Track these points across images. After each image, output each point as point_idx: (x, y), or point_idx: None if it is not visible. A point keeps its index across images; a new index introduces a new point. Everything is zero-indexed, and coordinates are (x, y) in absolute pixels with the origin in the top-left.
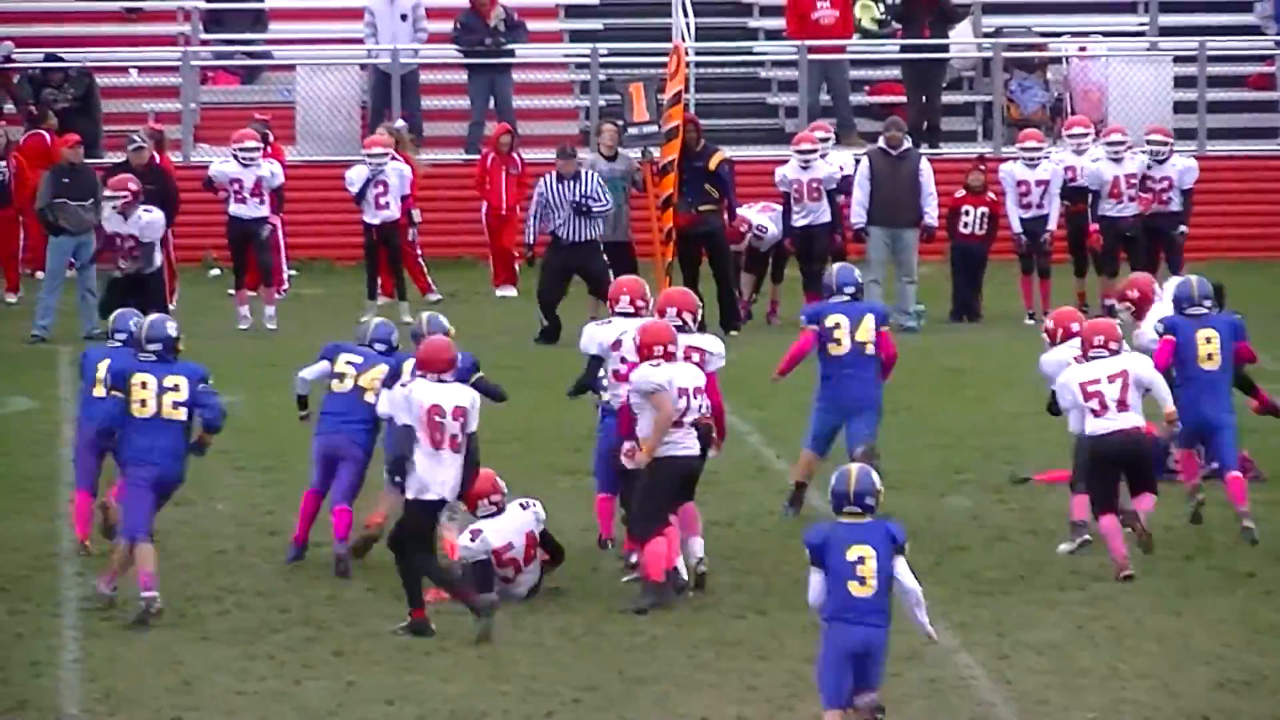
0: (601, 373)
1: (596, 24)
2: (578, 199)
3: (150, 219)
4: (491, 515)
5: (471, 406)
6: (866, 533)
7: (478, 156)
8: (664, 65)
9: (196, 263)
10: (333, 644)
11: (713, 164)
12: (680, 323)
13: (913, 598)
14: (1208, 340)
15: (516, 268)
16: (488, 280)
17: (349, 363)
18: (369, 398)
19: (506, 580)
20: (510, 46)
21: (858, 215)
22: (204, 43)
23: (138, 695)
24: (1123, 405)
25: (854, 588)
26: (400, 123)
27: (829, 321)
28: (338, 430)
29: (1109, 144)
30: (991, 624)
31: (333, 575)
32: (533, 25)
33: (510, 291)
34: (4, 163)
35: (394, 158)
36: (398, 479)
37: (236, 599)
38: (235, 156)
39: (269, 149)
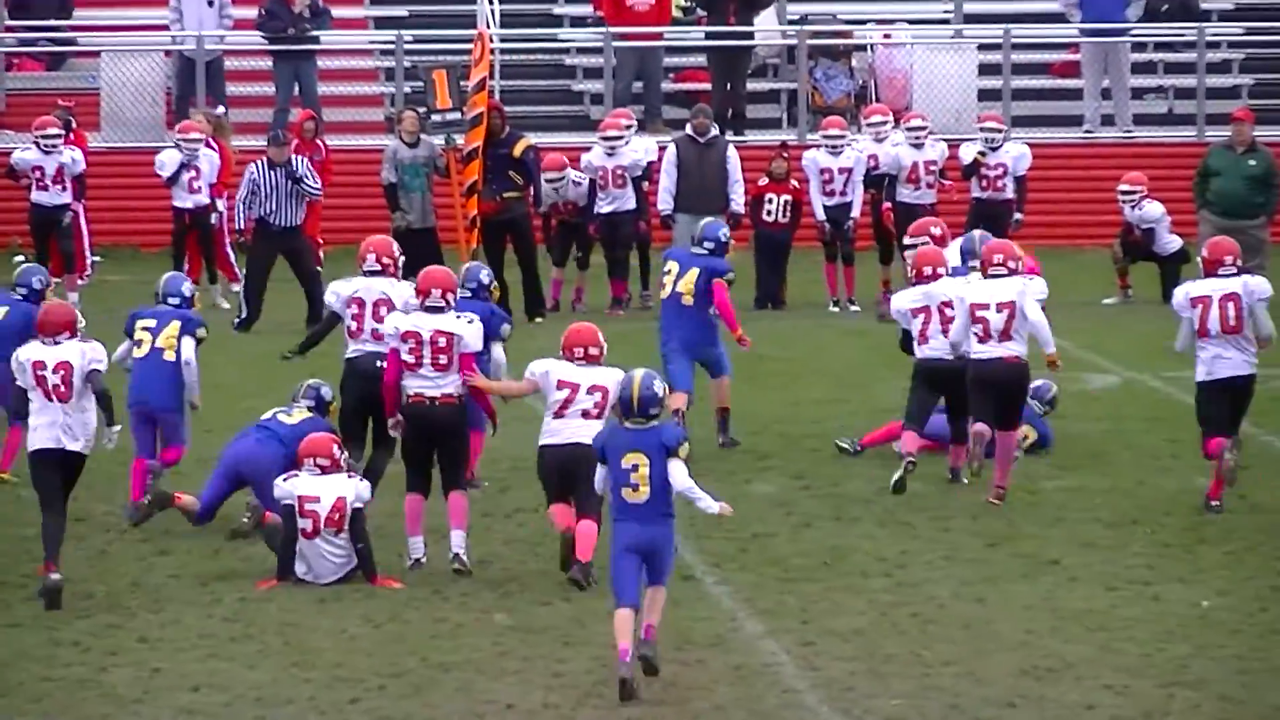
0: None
1: (402, 11)
2: (290, 178)
3: None
4: (314, 475)
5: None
6: (642, 440)
7: None
8: (469, 52)
9: (2, 249)
10: (137, 630)
11: (517, 151)
12: (442, 304)
13: (686, 496)
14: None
15: (320, 255)
16: None
17: (144, 328)
18: (168, 356)
19: (305, 533)
20: (315, 33)
21: (665, 202)
22: (9, 29)
23: None
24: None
25: (628, 494)
26: (220, 109)
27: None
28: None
29: (909, 129)
30: (797, 610)
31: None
32: (338, 12)
33: None
34: None
35: (208, 144)
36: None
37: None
38: (37, 144)
39: (71, 136)
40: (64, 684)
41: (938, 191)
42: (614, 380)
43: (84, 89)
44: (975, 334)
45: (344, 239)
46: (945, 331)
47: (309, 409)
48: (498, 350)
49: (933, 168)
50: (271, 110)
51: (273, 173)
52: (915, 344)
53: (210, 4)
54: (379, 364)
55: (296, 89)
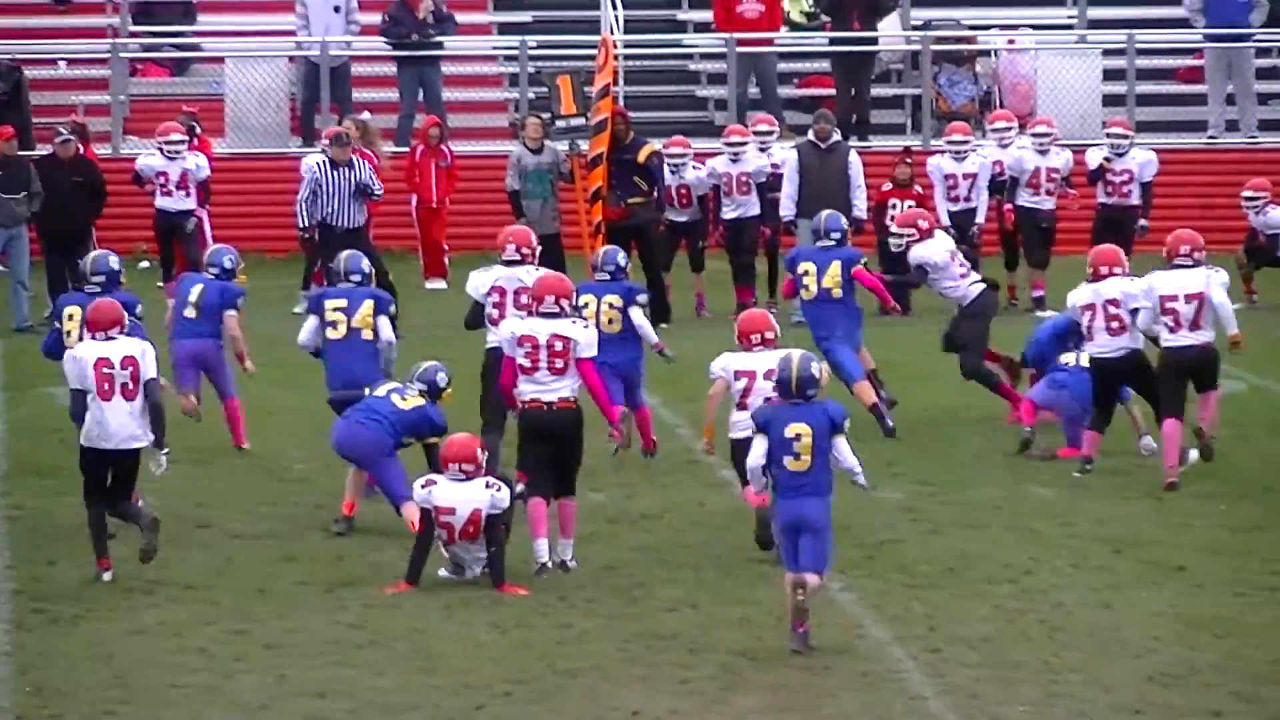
0: None
1: (525, 16)
2: (356, 185)
3: None
4: (459, 481)
5: (142, 356)
6: (806, 413)
7: (407, 149)
8: (593, 58)
9: (128, 255)
10: (264, 637)
11: (642, 157)
12: (556, 309)
13: (848, 471)
14: None
15: (446, 261)
16: (418, 273)
17: (336, 308)
18: (366, 335)
19: (442, 541)
20: (439, 39)
21: (786, 208)
22: (133, 35)
23: (70, 689)
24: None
25: (790, 462)
26: (366, 114)
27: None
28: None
29: (1035, 135)
30: (923, 617)
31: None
32: (462, 18)
33: (440, 284)
34: None
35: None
36: None
37: (168, 592)
38: (161, 150)
39: (196, 141)
40: (190, 691)
41: (1059, 199)
42: None
43: (208, 95)
44: (1166, 324)
45: (470, 245)
46: (1110, 330)
47: (420, 393)
48: (636, 314)
49: (1055, 175)
50: (396, 116)
51: (335, 173)
52: (1082, 340)
53: (337, 10)
54: None
55: (421, 94)
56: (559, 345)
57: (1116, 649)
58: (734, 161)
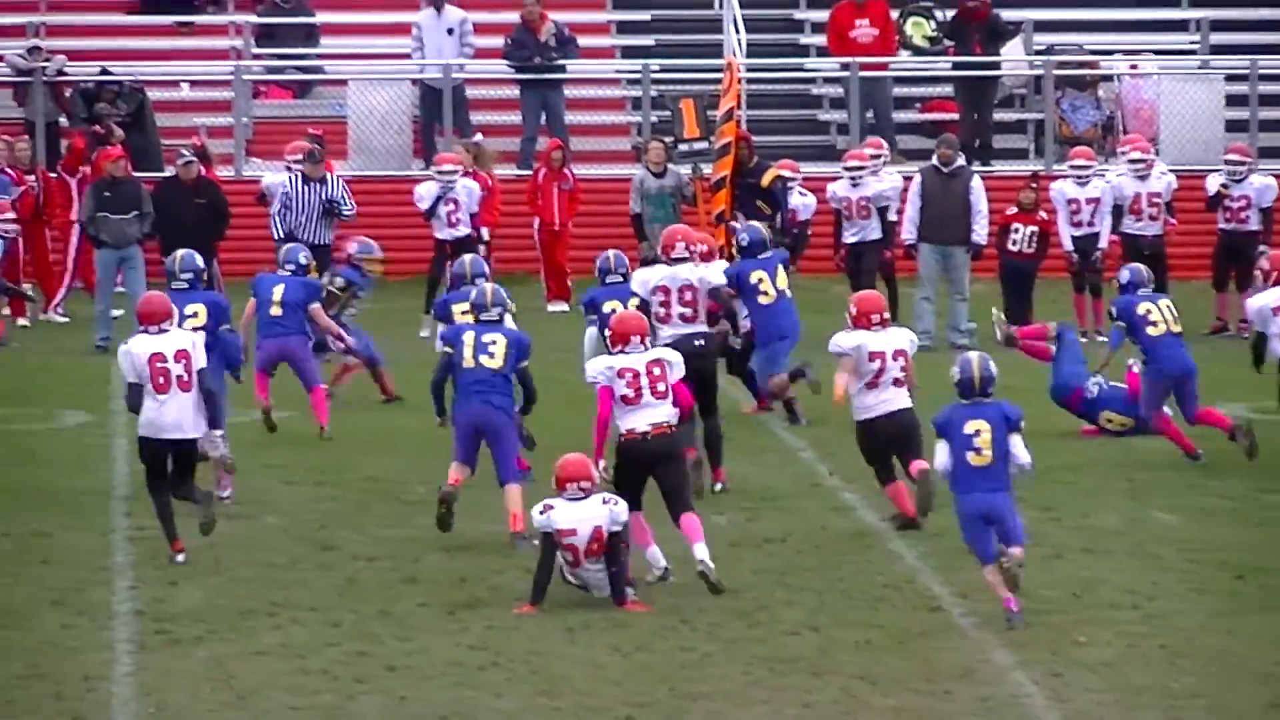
0: None
1: (648, 40)
2: (325, 200)
3: None
4: (576, 500)
5: (194, 347)
6: (983, 411)
7: (529, 172)
8: (716, 81)
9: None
10: (385, 659)
11: (765, 181)
12: (642, 349)
13: (1023, 469)
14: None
15: (569, 283)
16: (541, 295)
17: (463, 312)
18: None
19: (570, 564)
20: (562, 62)
21: (908, 232)
22: (256, 57)
23: (191, 710)
24: None
25: (972, 458)
26: (479, 137)
27: None
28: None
29: (1131, 161)
30: (1046, 642)
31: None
32: (585, 41)
33: (562, 306)
34: (32, 177)
35: (465, 174)
36: None
37: (290, 614)
38: (289, 168)
39: (322, 164)
40: (312, 712)
41: (1164, 226)
42: (909, 340)
43: (332, 117)
44: None
45: (592, 268)
46: None
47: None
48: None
49: (1157, 200)
50: (519, 139)
51: (306, 189)
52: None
53: (451, 32)
54: (696, 343)
55: (543, 118)
56: (657, 370)
57: (1239, 675)
58: (854, 186)
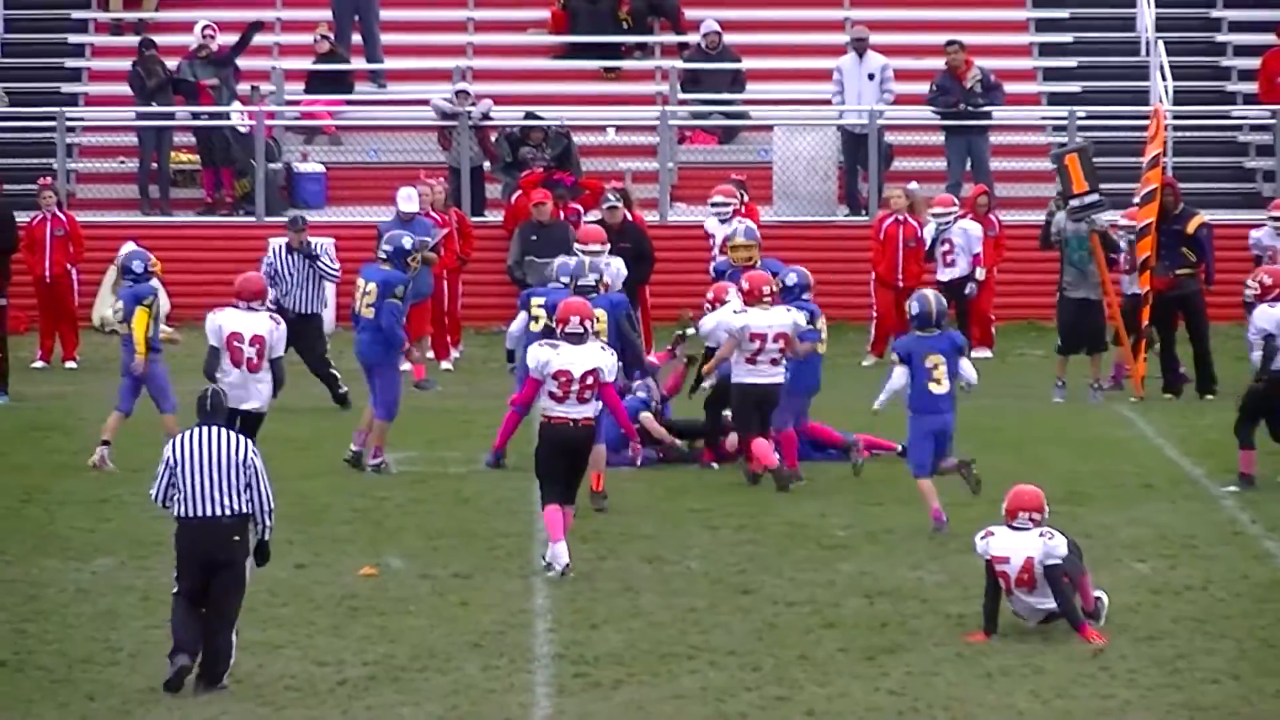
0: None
1: (1074, 87)
2: (311, 269)
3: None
4: (1023, 530)
5: (270, 335)
6: (938, 344)
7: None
8: (1140, 129)
9: (673, 320)
10: (805, 704)
11: (1190, 228)
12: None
13: (968, 382)
14: None
15: (993, 330)
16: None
17: (540, 305)
18: None
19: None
20: (987, 108)
21: None
22: (682, 102)
23: None
24: None
25: (933, 386)
26: (914, 185)
27: None
28: None
29: (1273, 217)
30: None
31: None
32: (1010, 87)
33: (986, 354)
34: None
35: (959, 216)
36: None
37: (709, 657)
38: (717, 215)
39: (743, 208)
40: None
41: None
42: (792, 322)
43: (756, 163)
44: None
45: (1018, 314)
46: None
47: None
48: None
49: None
50: (943, 185)
51: (290, 258)
52: None
53: (871, 78)
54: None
55: (968, 164)
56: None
57: None
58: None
